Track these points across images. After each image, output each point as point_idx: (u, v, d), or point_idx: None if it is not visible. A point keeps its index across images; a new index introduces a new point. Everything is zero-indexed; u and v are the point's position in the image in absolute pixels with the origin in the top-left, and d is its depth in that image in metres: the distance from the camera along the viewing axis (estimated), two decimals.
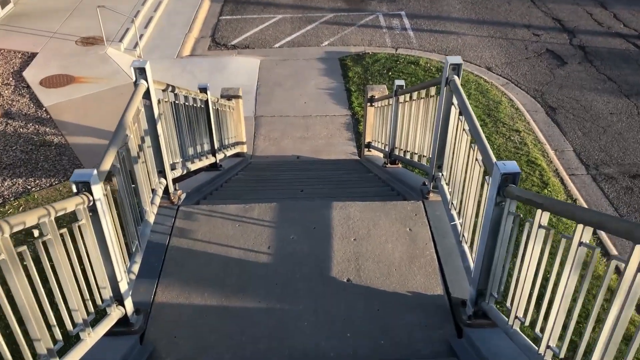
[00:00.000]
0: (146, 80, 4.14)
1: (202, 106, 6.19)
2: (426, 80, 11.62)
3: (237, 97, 8.18)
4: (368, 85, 8.44)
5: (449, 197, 4.15)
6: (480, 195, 3.45)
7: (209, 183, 5.67)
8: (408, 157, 5.74)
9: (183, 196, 4.70)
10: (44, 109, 10.73)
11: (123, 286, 3.31)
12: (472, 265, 3.59)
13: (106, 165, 3.19)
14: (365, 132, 8.57)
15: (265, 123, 10.64)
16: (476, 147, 3.49)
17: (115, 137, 3.43)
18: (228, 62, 12.73)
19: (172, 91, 4.98)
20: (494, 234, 3.15)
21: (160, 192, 4.33)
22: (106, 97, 11.12)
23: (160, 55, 13.03)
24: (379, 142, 7.98)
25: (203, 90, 6.18)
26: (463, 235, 3.78)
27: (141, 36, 13.42)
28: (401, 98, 6.33)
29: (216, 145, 6.52)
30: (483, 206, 3.45)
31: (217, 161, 6.52)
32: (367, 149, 8.70)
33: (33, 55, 12.44)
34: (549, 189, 8.63)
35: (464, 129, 3.82)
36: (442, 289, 3.79)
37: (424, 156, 5.04)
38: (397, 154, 6.43)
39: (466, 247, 3.78)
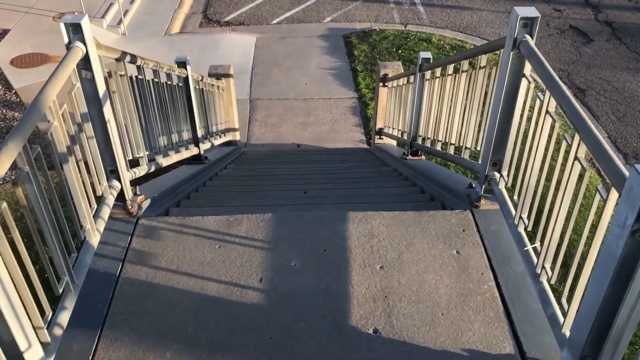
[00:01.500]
0: (84, 44, 2.86)
1: (181, 84, 4.92)
2: (443, 57, 10.31)
3: (227, 75, 6.89)
4: (380, 62, 7.16)
5: (514, 210, 2.90)
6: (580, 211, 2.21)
7: (187, 182, 4.41)
8: (439, 148, 4.49)
9: (146, 203, 3.44)
10: (13, 91, 9.41)
11: (33, 356, 2.07)
12: (560, 315, 2.36)
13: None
14: (377, 116, 7.29)
15: (261, 107, 9.35)
16: (577, 140, 2.23)
17: (21, 127, 2.16)
18: (221, 39, 11.38)
19: (133, 62, 3.71)
20: (620, 277, 1.91)
21: (111, 200, 3.08)
22: None
23: (147, 32, 11.68)
24: (393, 128, 6.71)
25: (181, 64, 4.90)
26: (543, 267, 2.54)
27: (126, 12, 12.05)
28: (428, 74, 5.06)
29: (200, 133, 5.26)
30: (584, 227, 2.21)
31: (201, 152, 5.27)
32: (378, 136, 7.43)
33: (5, 32, 11.07)
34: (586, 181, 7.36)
35: (547, 112, 2.56)
36: (511, 346, 2.55)
37: (466, 148, 3.78)
38: (421, 143, 5.17)
39: (546, 285, 2.54)
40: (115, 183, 3.17)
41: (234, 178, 5.21)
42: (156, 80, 4.20)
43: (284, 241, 3.06)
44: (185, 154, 4.80)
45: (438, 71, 4.76)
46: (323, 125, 8.85)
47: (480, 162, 3.41)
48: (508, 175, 3.08)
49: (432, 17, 12.35)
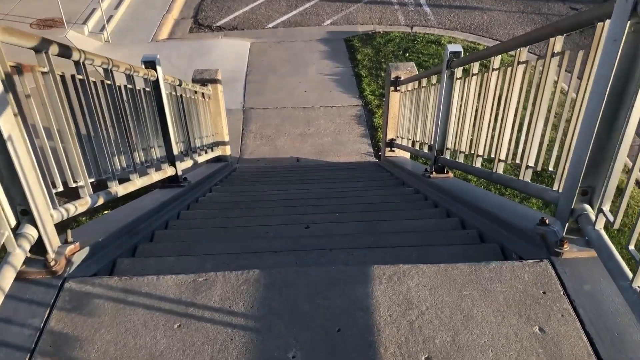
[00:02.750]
0: None
1: (150, 89, 3.88)
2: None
3: (214, 81, 5.86)
4: (391, 63, 6.14)
5: (626, 267, 1.85)
6: None
7: (155, 214, 3.35)
8: (479, 165, 3.44)
9: (82, 254, 2.39)
10: None
11: None
12: None
13: None
14: (387, 125, 6.26)
15: (256, 117, 8.32)
16: None
17: None
18: (212, 45, 10.37)
19: (65, 56, 2.68)
20: None
21: (19, 256, 2.03)
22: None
23: (133, 39, 10.68)
24: (409, 139, 5.68)
25: (149, 64, 3.85)
26: None
27: (110, 17, 11.06)
28: (459, 72, 4.03)
29: (177, 149, 4.22)
30: None
31: (179, 173, 4.22)
32: (389, 148, 6.39)
33: None
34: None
35: None
36: None
37: (529, 167, 2.74)
38: (449, 158, 4.13)
39: None
40: (29, 229, 2.12)
41: (218, 205, 4.15)
42: (109, 82, 3.16)
43: (278, 316, 2.00)
44: (155, 176, 3.75)
45: (475, 67, 3.73)
46: (325, 137, 7.82)
47: (560, 189, 2.36)
48: (613, 210, 2.03)
49: (440, 18, 11.36)
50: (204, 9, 12.03)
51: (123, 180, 3.20)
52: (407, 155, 6.25)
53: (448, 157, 4.15)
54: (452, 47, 3.95)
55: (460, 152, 3.86)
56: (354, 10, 11.75)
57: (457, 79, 3.94)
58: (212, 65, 9.65)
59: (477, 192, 3.47)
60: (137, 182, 3.38)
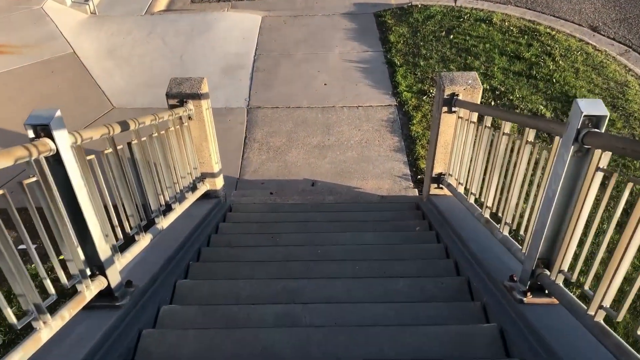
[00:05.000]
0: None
1: (49, 166, 2.21)
2: (508, 47, 7.38)
3: (198, 96, 4.12)
4: (442, 73, 4.27)
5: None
6: None
7: None
8: None
9: None
10: None
11: None
12: None
13: None
14: (435, 155, 4.48)
15: (263, 120, 6.57)
16: None
17: None
18: (215, 20, 8.52)
19: None
20: None
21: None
22: (32, 75, 7.12)
23: (123, 10, 8.87)
24: (467, 188, 3.92)
25: (42, 130, 2.13)
26: None
27: None
28: (596, 155, 2.24)
29: (106, 251, 2.57)
30: None
31: (113, 283, 2.57)
32: (435, 185, 4.65)
33: None
34: None
35: None
36: None
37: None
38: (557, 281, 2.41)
39: None
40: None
41: (195, 319, 2.53)
42: None
43: None
44: (65, 312, 2.12)
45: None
46: (349, 150, 6.07)
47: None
48: None
49: None
50: None
51: None
52: (457, 193, 4.49)
53: (557, 279, 2.41)
54: (587, 106, 2.11)
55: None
56: None
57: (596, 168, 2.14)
58: (212, 46, 7.87)
59: None
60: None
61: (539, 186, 2.54)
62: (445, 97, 4.14)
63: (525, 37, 7.75)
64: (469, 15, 8.28)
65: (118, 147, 2.76)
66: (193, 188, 4.32)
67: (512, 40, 7.68)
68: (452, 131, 4.29)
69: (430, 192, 4.70)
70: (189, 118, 4.22)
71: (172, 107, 4.17)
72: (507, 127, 3.27)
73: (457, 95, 4.11)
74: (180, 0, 9.36)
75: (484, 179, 3.57)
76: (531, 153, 2.83)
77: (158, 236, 3.18)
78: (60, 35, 7.90)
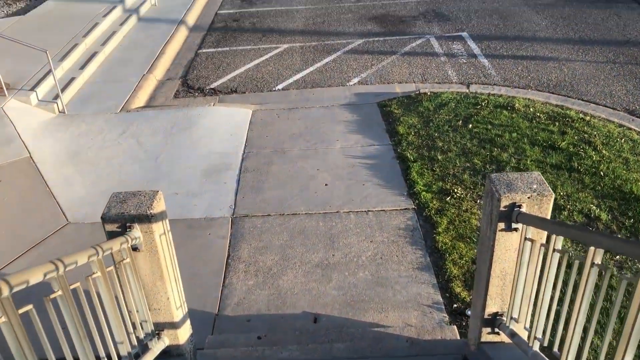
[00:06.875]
0: None
1: None
2: (539, 136, 6.25)
3: (148, 219, 2.86)
4: (493, 175, 3.04)
5: None
6: None
7: None
8: None
9: None
10: None
11: None
12: None
13: None
14: (488, 289, 3.14)
15: (250, 232, 5.27)
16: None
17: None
18: (199, 115, 7.48)
19: None
20: None
21: None
22: None
23: (97, 107, 7.86)
24: (539, 335, 2.54)
25: None
26: None
27: (71, 80, 8.31)
28: None
29: None
30: None
31: None
32: (489, 329, 3.25)
33: None
34: None
35: None
36: None
37: None
38: None
39: None
40: None
41: None
42: None
43: None
44: None
45: None
46: (359, 270, 4.72)
47: None
48: None
49: (504, 72, 8.37)
50: (197, 67, 9.25)
51: None
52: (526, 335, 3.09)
53: None
54: None
55: None
56: (387, 64, 8.85)
57: None
58: (195, 145, 6.72)
59: None
60: None
61: None
62: (502, 208, 2.86)
63: (556, 123, 6.65)
64: (486, 101, 7.26)
65: None
66: (142, 350, 2.92)
67: (542, 127, 6.58)
68: (515, 257, 2.97)
69: (482, 339, 3.29)
70: (134, 249, 2.91)
71: (110, 235, 2.88)
72: (597, 255, 2.02)
73: (520, 206, 2.84)
74: (162, 95, 8.41)
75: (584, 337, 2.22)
76: None
77: None
78: (17, 137, 6.80)
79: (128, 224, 2.87)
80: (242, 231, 5.27)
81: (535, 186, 2.89)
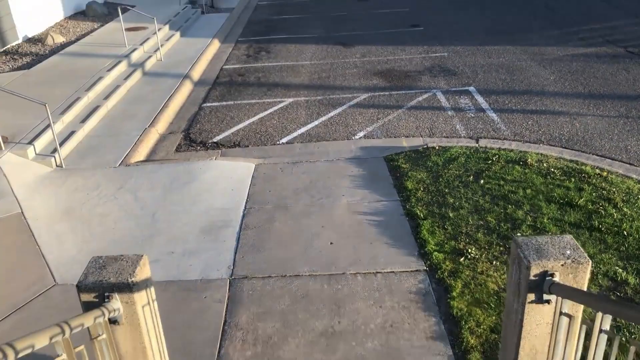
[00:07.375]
0: None
1: None
2: (555, 192, 5.92)
3: (127, 288, 2.53)
4: (520, 238, 2.72)
5: None
6: None
7: None
8: None
9: None
10: None
11: None
12: None
13: None
14: None
15: (250, 295, 4.89)
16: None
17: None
18: (200, 170, 7.23)
19: None
20: None
21: None
22: None
23: (96, 162, 7.64)
24: None
25: None
26: None
27: (71, 134, 8.14)
28: None
29: None
30: None
31: None
32: None
33: None
34: None
35: None
36: None
37: None
38: None
39: None
40: None
41: None
42: None
43: None
44: None
45: None
46: (368, 339, 4.30)
47: None
48: None
49: (514, 127, 8.15)
50: (200, 121, 9.10)
51: None
52: None
53: None
54: None
55: None
56: (394, 118, 8.67)
57: None
58: (195, 201, 6.43)
59: None
60: None
61: None
62: (531, 277, 2.51)
63: (572, 179, 6.35)
64: (497, 156, 6.99)
65: None
66: None
67: (557, 184, 6.27)
68: (547, 333, 2.59)
69: None
70: (113, 322, 2.56)
71: (86, 306, 2.53)
72: None
73: (552, 275, 2.49)
74: (163, 149, 8.21)
75: None
76: None
77: None
78: (10, 193, 6.54)
79: (107, 294, 2.53)
80: (241, 295, 4.89)
81: (569, 252, 2.55)
